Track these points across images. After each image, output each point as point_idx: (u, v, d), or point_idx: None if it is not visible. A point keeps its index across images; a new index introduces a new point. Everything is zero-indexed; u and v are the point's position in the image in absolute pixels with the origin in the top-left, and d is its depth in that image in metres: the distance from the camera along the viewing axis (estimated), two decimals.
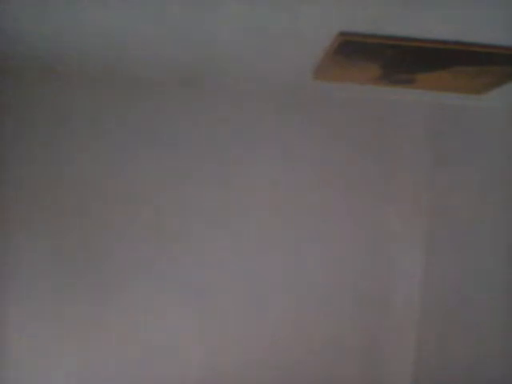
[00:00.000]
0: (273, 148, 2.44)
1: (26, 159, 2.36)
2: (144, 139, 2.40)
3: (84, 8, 1.55)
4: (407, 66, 1.80)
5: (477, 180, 2.47)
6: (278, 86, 2.40)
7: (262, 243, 2.45)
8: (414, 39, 1.58)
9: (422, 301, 2.49)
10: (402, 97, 2.42)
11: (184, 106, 2.41)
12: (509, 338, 2.47)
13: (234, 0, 1.42)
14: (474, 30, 1.51)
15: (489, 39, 1.57)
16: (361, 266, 2.48)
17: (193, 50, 1.94)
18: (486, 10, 1.36)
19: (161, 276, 2.43)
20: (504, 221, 2.47)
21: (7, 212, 2.36)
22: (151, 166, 2.41)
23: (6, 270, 2.38)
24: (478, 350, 2.49)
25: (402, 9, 1.38)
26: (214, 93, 2.42)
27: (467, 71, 1.82)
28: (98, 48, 1.98)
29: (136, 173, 2.40)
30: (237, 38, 1.75)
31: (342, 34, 1.55)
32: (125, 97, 2.39)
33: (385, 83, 2.04)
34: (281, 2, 1.40)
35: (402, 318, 2.50)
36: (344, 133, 2.45)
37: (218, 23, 1.63)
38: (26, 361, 2.40)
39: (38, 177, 2.37)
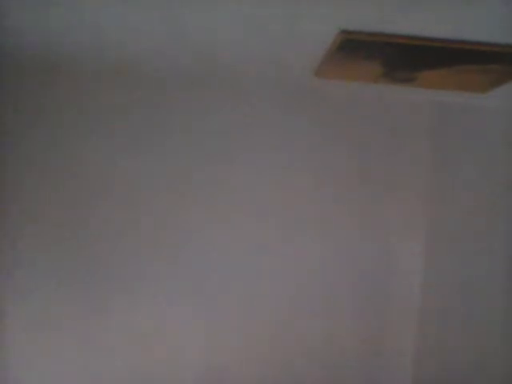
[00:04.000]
0: (273, 147, 2.44)
1: (26, 159, 2.36)
2: (144, 139, 2.40)
3: (85, 7, 1.55)
4: (408, 64, 1.80)
5: (477, 180, 2.47)
6: (278, 85, 2.40)
7: (262, 242, 2.45)
8: (416, 37, 1.58)
9: (422, 301, 2.49)
10: (402, 95, 2.43)
11: (184, 105, 2.41)
12: (509, 338, 2.47)
13: (234, 0, 1.42)
14: (474, 29, 1.51)
15: (490, 37, 1.57)
16: (360, 265, 2.48)
17: (193, 49, 1.94)
18: (486, 8, 1.36)
19: (161, 275, 2.43)
20: (504, 220, 2.47)
21: (7, 212, 2.36)
22: (151, 166, 2.41)
23: (6, 269, 2.37)
24: (478, 349, 2.49)
25: (404, 7, 1.38)
26: (213, 92, 2.42)
27: (468, 70, 1.82)
28: (98, 47, 1.98)
29: (136, 172, 2.40)
30: (237, 37, 1.75)
31: (344, 32, 1.55)
32: (125, 96, 2.39)
33: (386, 81, 2.05)
34: (281, 0, 1.40)
35: (401, 317, 2.50)
36: (344, 131, 2.46)
37: (218, 23, 1.63)
38: (26, 361, 2.39)
39: (39, 176, 2.37)
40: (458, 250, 2.48)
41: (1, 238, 2.36)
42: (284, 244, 2.46)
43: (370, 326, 2.50)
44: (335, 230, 2.47)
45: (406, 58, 1.74)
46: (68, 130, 2.38)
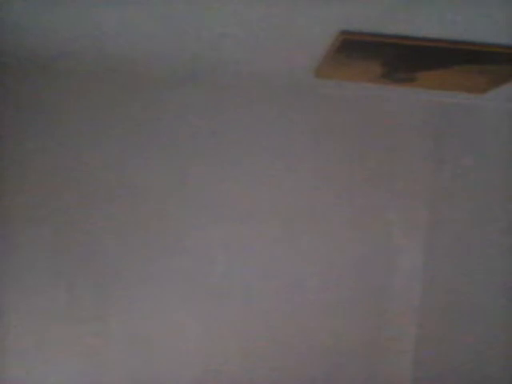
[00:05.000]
0: (273, 147, 2.44)
1: (27, 158, 2.36)
2: (144, 138, 2.40)
3: (84, 6, 1.55)
4: (408, 64, 1.80)
5: (477, 180, 2.47)
6: (278, 86, 2.40)
7: (262, 242, 2.45)
8: (415, 38, 1.58)
9: (422, 301, 2.50)
10: (402, 96, 2.43)
11: (184, 105, 2.41)
12: (509, 338, 2.47)
13: (234, 0, 1.42)
14: (474, 29, 1.51)
15: (489, 38, 1.57)
16: (360, 265, 2.48)
17: (193, 49, 1.94)
18: (486, 9, 1.36)
19: (161, 277, 2.43)
20: (504, 220, 2.48)
21: (8, 211, 2.36)
22: (151, 166, 2.41)
23: (7, 269, 2.37)
24: (478, 349, 2.49)
25: (403, 8, 1.38)
26: (214, 92, 2.42)
27: (468, 70, 1.82)
28: (98, 47, 1.98)
29: (136, 172, 2.40)
30: (237, 37, 1.75)
31: (344, 32, 1.55)
32: (125, 95, 2.39)
33: (386, 82, 2.05)
34: (281, 1, 1.40)
35: (401, 317, 2.50)
36: (344, 132, 2.46)
37: (218, 23, 1.63)
38: (26, 360, 2.40)
39: (38, 175, 2.37)
40: (458, 249, 2.48)
41: (1, 237, 2.36)
42: (284, 244, 2.46)
43: (370, 326, 2.50)
44: (335, 230, 2.47)
45: (405, 58, 1.74)
46: (68, 130, 2.38)
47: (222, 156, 2.43)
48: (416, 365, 2.51)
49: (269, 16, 1.53)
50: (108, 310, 2.42)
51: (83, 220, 2.39)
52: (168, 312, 2.44)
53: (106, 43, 1.93)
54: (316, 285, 2.48)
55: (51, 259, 2.38)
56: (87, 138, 2.39)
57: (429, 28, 1.51)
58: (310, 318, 2.49)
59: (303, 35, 1.66)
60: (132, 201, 2.41)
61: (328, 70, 1.94)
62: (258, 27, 1.64)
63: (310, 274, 2.47)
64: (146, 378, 2.45)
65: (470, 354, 2.50)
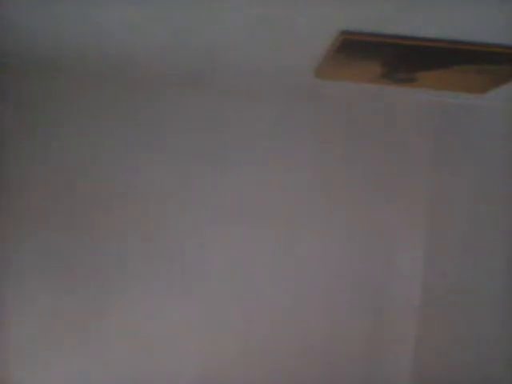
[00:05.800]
0: (273, 147, 2.44)
1: (26, 158, 2.36)
2: (144, 138, 2.40)
3: (86, 7, 1.55)
4: (408, 64, 1.80)
5: (477, 180, 2.48)
6: (278, 86, 2.40)
7: (262, 242, 2.45)
8: (415, 38, 1.58)
9: (422, 301, 2.49)
10: (402, 95, 2.43)
11: (184, 105, 2.41)
12: (509, 338, 2.47)
13: (234, 0, 1.43)
14: (473, 29, 1.51)
15: (489, 38, 1.57)
16: (360, 266, 2.48)
17: (193, 49, 1.94)
18: (486, 9, 1.36)
19: (161, 275, 2.43)
20: (504, 220, 2.48)
21: (7, 212, 2.36)
22: (151, 166, 2.41)
23: (7, 269, 2.37)
24: (478, 349, 2.49)
25: (403, 8, 1.38)
26: (214, 93, 2.42)
27: (468, 70, 1.83)
28: (99, 47, 1.98)
29: (136, 172, 2.40)
30: (237, 37, 1.75)
31: (344, 32, 1.55)
32: (125, 96, 2.39)
33: (386, 82, 2.05)
34: (281, 1, 1.40)
35: (401, 317, 2.50)
36: (344, 131, 2.46)
37: (218, 23, 1.63)
38: (26, 361, 2.40)
39: (38, 176, 2.37)
40: (459, 250, 2.48)
41: (1, 238, 2.36)
42: (284, 244, 2.46)
43: (370, 326, 2.50)
44: (335, 231, 2.47)
45: (405, 58, 1.74)
46: (68, 130, 2.38)
47: (222, 156, 2.43)
48: (416, 365, 2.50)
49: (269, 16, 1.53)
50: (108, 310, 2.42)
51: (83, 220, 2.39)
52: (168, 312, 2.44)
53: (106, 43, 1.93)
54: (316, 284, 2.48)
55: (51, 260, 2.39)
56: (87, 138, 2.39)
57: (428, 28, 1.52)
58: (310, 317, 2.49)
59: (303, 35, 1.66)
60: (132, 201, 2.41)
61: (328, 70, 1.94)
62: (257, 27, 1.64)
63: (309, 273, 2.47)
64: (146, 378, 2.45)
65: (470, 354, 2.50)
